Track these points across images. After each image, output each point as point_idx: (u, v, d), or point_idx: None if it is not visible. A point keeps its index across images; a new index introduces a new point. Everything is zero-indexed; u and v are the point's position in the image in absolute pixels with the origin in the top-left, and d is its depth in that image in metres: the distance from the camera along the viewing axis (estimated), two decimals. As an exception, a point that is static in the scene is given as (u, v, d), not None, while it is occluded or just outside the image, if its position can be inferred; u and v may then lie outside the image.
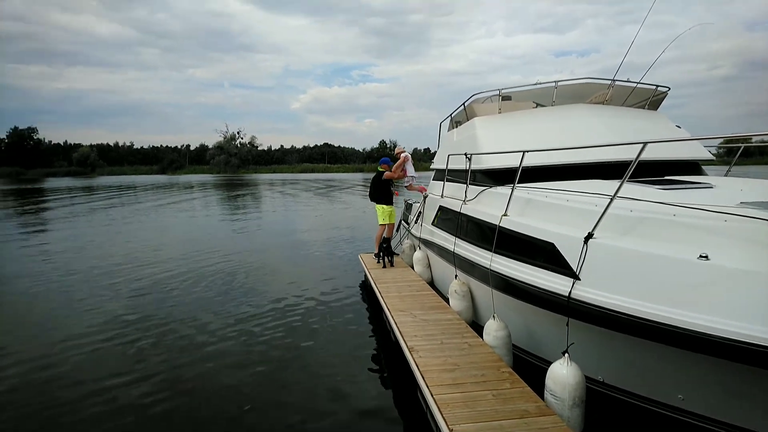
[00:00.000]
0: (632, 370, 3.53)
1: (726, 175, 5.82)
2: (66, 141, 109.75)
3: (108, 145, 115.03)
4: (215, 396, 4.59)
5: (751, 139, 7.64)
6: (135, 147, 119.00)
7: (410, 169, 8.58)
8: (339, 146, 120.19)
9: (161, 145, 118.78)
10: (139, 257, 11.51)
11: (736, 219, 3.01)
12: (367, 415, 4.27)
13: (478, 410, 3.39)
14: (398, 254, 8.84)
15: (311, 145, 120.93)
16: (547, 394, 3.41)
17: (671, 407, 3.33)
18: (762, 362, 2.45)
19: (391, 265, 8.18)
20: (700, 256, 2.84)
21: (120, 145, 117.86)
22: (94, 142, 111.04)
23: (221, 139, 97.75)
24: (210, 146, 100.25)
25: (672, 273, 2.96)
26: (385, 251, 8.29)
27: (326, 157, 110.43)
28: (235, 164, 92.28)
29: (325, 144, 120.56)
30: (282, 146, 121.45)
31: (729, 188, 3.99)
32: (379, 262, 8.36)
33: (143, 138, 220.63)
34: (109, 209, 24.70)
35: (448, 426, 3.19)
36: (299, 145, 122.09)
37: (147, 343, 5.99)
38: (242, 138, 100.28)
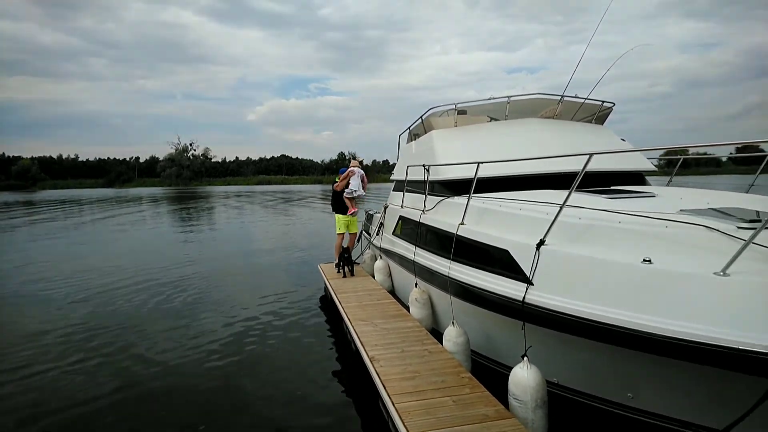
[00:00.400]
0: (585, 372, 3.67)
1: (667, 185, 6.21)
2: (4, 153, 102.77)
3: (51, 157, 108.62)
4: (169, 414, 4.42)
5: (688, 151, 8.24)
6: (80, 159, 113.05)
7: (353, 183, 8.55)
8: (297, 158, 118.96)
9: (108, 158, 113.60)
10: (85, 273, 10.93)
11: (677, 225, 3.22)
12: (329, 427, 4.21)
13: (438, 417, 3.43)
14: (359, 263, 8.80)
15: (268, 157, 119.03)
16: (510, 398, 3.49)
17: (622, 405, 3.48)
18: (701, 359, 2.61)
19: (351, 275, 8.11)
20: (644, 260, 3.01)
21: (64, 157, 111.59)
22: (35, 155, 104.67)
23: (173, 151, 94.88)
24: (161, 158, 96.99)
25: (618, 276, 3.12)
26: (345, 260, 8.20)
27: (284, 169, 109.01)
28: (187, 176, 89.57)
29: (283, 155, 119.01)
30: (237, 158, 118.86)
31: (670, 197, 4.26)
32: (339, 272, 8.29)
33: (89, 150, 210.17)
34: (51, 224, 23.30)
35: None
36: (255, 157, 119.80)
37: (94, 361, 5.69)
38: (195, 150, 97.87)
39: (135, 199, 46.94)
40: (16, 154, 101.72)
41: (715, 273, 2.73)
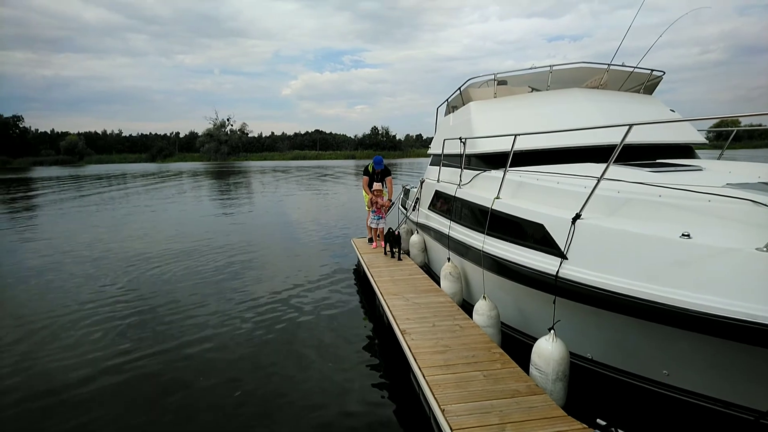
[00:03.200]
0: (619, 347, 3.64)
1: (718, 159, 5.93)
2: (53, 129, 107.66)
3: (96, 133, 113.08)
4: (209, 381, 4.64)
5: (740, 122, 7.78)
6: (123, 135, 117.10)
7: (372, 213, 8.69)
8: (330, 133, 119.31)
9: (150, 133, 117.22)
10: (133, 244, 11.48)
11: (720, 199, 3.10)
12: (361, 398, 4.32)
13: (469, 390, 3.47)
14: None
15: (302, 132, 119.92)
16: (532, 368, 3.52)
17: (657, 383, 3.44)
18: (741, 336, 2.55)
19: (398, 258, 7.55)
20: (683, 235, 2.93)
21: (108, 133, 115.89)
22: (81, 130, 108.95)
23: (211, 126, 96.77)
24: (200, 133, 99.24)
25: (655, 251, 3.04)
26: (393, 242, 7.63)
27: (317, 144, 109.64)
28: (225, 152, 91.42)
29: (317, 131, 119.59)
30: (273, 133, 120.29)
31: (718, 171, 4.08)
32: (386, 254, 7.88)
33: (132, 126, 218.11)
34: (99, 198, 24.46)
35: (440, 406, 3.27)
36: (290, 132, 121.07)
37: (137, 329, 6.02)
38: (232, 125, 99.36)
39: (177, 173, 48.50)
40: (63, 130, 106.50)
41: (757, 249, 2.63)
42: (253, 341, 5.61)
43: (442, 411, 3.23)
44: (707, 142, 6.21)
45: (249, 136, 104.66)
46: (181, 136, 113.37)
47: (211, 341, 5.62)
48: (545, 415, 3.12)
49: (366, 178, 8.90)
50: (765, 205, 2.91)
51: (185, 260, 9.73)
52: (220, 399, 4.31)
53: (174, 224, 14.90)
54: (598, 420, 2.92)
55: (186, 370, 4.88)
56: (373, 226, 8.67)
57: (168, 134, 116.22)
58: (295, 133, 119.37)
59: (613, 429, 2.84)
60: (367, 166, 9.04)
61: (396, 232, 7.63)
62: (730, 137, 6.31)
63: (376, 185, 8.63)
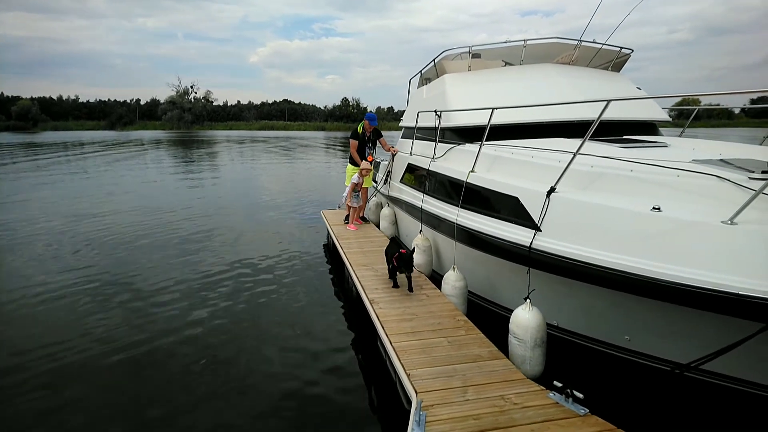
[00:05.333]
0: (584, 315, 3.81)
1: (680, 137, 6.14)
2: (2, 93, 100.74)
3: (51, 98, 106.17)
4: (174, 352, 4.61)
5: (700, 101, 8.06)
6: (80, 101, 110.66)
7: (355, 178, 7.76)
8: (299, 103, 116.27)
9: (109, 99, 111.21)
10: (93, 215, 11.07)
11: (688, 175, 3.24)
12: (329, 364, 4.42)
13: (433, 356, 3.61)
14: (369, 220, 8.51)
15: (270, 102, 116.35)
16: (510, 337, 3.66)
17: (618, 347, 3.65)
18: (707, 305, 2.71)
19: (409, 289, 4.97)
20: (653, 208, 3.06)
21: (64, 98, 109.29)
22: (35, 95, 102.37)
23: (174, 93, 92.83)
24: (162, 101, 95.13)
25: (626, 224, 3.18)
26: (404, 265, 4.91)
27: (286, 115, 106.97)
28: (188, 120, 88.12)
29: (285, 100, 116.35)
30: (239, 102, 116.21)
31: (683, 147, 4.24)
32: (390, 277, 5.24)
33: (89, 91, 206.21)
34: (57, 166, 23.29)
35: (405, 371, 3.39)
36: (257, 101, 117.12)
37: (98, 303, 5.86)
38: (196, 92, 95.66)
39: (137, 142, 46.56)
40: (14, 94, 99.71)
41: (722, 222, 2.78)
42: (219, 312, 5.57)
43: (408, 375, 3.34)
44: (670, 119, 6.42)
45: (214, 104, 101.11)
46: (142, 103, 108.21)
47: (176, 312, 5.55)
48: (505, 378, 3.29)
49: (355, 142, 7.82)
50: (729, 180, 3.05)
51: (148, 232, 9.47)
52: (185, 369, 4.30)
53: (136, 195, 14.39)
54: (555, 382, 3.08)
55: (150, 341, 4.83)
56: (355, 204, 7.90)
57: (128, 101, 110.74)
58: (263, 103, 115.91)
59: (568, 390, 3.00)
60: (356, 127, 7.92)
61: (410, 253, 4.96)
62: (692, 115, 6.54)
63: (364, 164, 7.62)
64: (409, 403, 3.15)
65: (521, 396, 3.09)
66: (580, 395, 2.96)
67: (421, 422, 2.81)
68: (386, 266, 5.35)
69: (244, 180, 18.45)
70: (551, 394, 3.08)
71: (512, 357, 3.62)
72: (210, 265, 7.37)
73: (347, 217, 8.13)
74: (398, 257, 4.91)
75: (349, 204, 7.95)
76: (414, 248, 5.43)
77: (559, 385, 3.07)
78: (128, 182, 17.50)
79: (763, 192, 2.70)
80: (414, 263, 5.02)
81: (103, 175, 19.50)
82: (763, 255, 2.61)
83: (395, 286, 5.06)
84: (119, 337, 4.93)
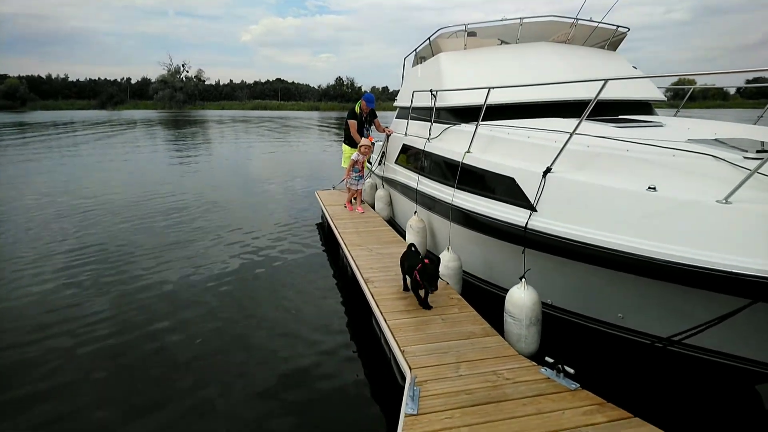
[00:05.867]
0: (579, 293, 3.86)
1: (675, 116, 6.14)
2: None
3: (39, 77, 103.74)
4: (169, 332, 4.63)
5: (695, 82, 8.03)
6: (70, 80, 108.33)
7: (354, 155, 7.48)
8: (293, 82, 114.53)
9: (99, 78, 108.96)
10: (85, 196, 10.99)
11: (683, 154, 3.25)
12: (324, 343, 4.47)
13: (427, 333, 3.68)
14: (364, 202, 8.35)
15: (263, 81, 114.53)
16: (506, 316, 3.71)
17: (611, 325, 3.71)
18: (700, 282, 2.75)
19: (425, 306, 4.19)
20: (649, 188, 3.08)
21: (53, 77, 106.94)
22: (22, 73, 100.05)
23: (165, 72, 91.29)
24: (153, 80, 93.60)
25: (622, 203, 3.20)
26: (428, 278, 3.98)
27: (279, 94, 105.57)
28: (180, 99, 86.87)
29: (278, 79, 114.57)
30: (231, 81, 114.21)
31: (678, 127, 4.24)
32: (409, 289, 4.47)
33: (79, 70, 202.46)
34: (46, 147, 22.99)
35: (399, 348, 3.46)
36: (250, 80, 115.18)
37: (92, 282, 5.87)
38: (188, 71, 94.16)
39: (129, 122, 45.91)
40: (2, 72, 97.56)
41: (717, 201, 2.81)
42: (213, 292, 5.59)
43: (402, 352, 3.41)
44: (666, 99, 6.41)
45: (206, 83, 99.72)
46: (133, 82, 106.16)
47: (170, 293, 5.56)
48: (498, 354, 3.36)
49: (353, 122, 7.68)
50: (724, 160, 3.07)
51: (141, 212, 9.45)
52: (180, 348, 4.32)
53: (128, 175, 14.33)
54: (547, 358, 3.15)
55: (145, 323, 4.84)
56: (355, 187, 7.66)
57: (119, 80, 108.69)
58: (256, 82, 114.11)
59: (560, 366, 3.06)
60: (353, 108, 7.83)
61: (435, 265, 4.06)
62: (686, 95, 6.54)
63: (364, 141, 7.39)
64: (404, 379, 3.21)
65: (513, 371, 3.16)
66: (571, 371, 3.03)
67: (415, 397, 2.87)
68: (381, 246, 5.26)
69: (238, 161, 18.33)
70: (543, 370, 3.15)
71: (507, 335, 3.68)
72: (204, 246, 7.36)
73: (352, 200, 7.91)
74: (422, 271, 3.94)
75: (348, 186, 7.71)
76: (439, 258, 4.39)
77: (551, 360, 3.13)
78: (120, 162, 17.35)
79: (758, 171, 2.72)
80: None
81: (97, 155, 19.29)
82: (757, 234, 2.65)
83: (421, 303, 4.15)
84: (111, 317, 4.95)
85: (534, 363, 3.26)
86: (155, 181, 13.14)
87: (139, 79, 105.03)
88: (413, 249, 4.56)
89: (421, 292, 4.15)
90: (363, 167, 7.55)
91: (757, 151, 3.09)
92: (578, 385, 2.97)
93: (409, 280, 4.32)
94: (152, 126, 40.93)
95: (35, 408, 3.49)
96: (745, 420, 3.36)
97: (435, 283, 3.93)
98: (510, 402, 2.82)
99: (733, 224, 2.74)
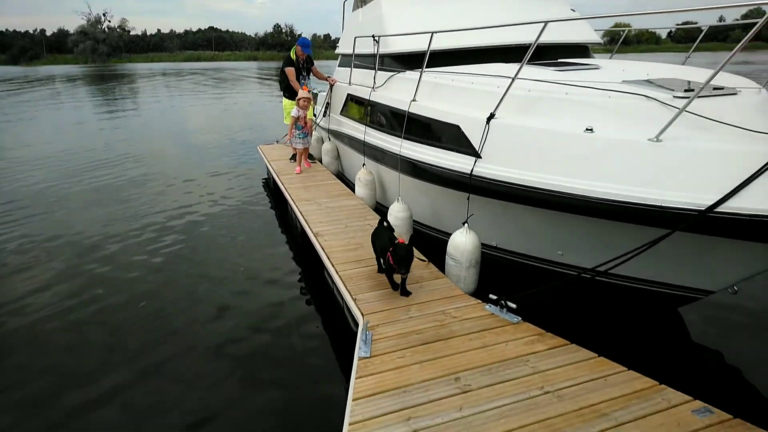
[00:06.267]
0: (522, 235, 4.04)
1: (610, 59, 6.32)
2: None
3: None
4: (112, 297, 4.46)
5: (630, 26, 8.25)
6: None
7: (294, 112, 6.91)
8: (227, 31, 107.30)
9: (7, 30, 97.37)
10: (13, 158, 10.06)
11: (619, 95, 3.37)
12: (276, 298, 4.46)
13: (378, 281, 3.76)
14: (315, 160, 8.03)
15: (194, 30, 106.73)
16: (447, 259, 3.87)
17: (552, 262, 3.94)
18: (635, 218, 2.93)
19: (403, 292, 3.63)
20: (586, 129, 3.20)
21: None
22: None
23: (84, 22, 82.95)
24: (71, 31, 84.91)
25: (562, 146, 3.31)
26: (402, 263, 3.45)
27: (213, 44, 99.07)
28: (104, 53, 79.69)
29: (211, 28, 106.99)
30: (159, 31, 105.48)
31: (613, 69, 4.37)
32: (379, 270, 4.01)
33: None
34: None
35: (352, 296, 3.54)
36: (180, 30, 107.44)
37: (28, 254, 5.53)
38: (110, 21, 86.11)
39: (48, 78, 41.79)
40: None
41: (649, 139, 2.96)
42: (155, 254, 5.40)
43: (354, 300, 3.48)
44: (602, 42, 6.56)
45: (131, 34, 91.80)
46: (49, 34, 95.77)
47: (111, 259, 5.31)
48: (446, 295, 3.50)
49: (291, 69, 7.20)
50: (656, 99, 3.21)
51: (71, 175, 8.84)
52: (123, 314, 4.19)
53: (52, 136, 13.22)
54: (491, 295, 3.32)
55: (84, 287, 4.65)
56: (299, 146, 7.06)
57: (31, 32, 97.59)
58: (186, 31, 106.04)
59: (503, 302, 3.24)
60: (288, 55, 7.38)
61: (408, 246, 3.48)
62: (621, 39, 6.73)
63: (301, 93, 6.87)
64: (357, 325, 3.28)
65: (460, 310, 3.31)
66: (514, 306, 3.21)
67: (368, 341, 2.95)
68: (329, 200, 5.15)
69: (174, 118, 17.30)
70: (487, 307, 3.32)
71: (448, 277, 3.86)
72: (144, 209, 7.01)
73: (294, 156, 7.53)
74: (393, 252, 3.41)
75: (293, 145, 7.16)
76: (411, 237, 3.98)
77: (495, 297, 3.30)
78: (46, 125, 15.89)
79: (686, 110, 2.87)
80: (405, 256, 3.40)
81: (13, 113, 17.52)
82: (685, 169, 2.83)
83: (395, 288, 3.62)
84: (47, 284, 4.70)
85: (479, 301, 3.42)
86: (83, 141, 12.21)
87: (56, 31, 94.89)
88: (385, 224, 3.95)
89: (397, 277, 3.59)
90: (306, 122, 7.01)
91: (685, 90, 3.25)
92: (520, 318, 3.16)
93: (383, 262, 3.73)
94: (75, 81, 37.52)
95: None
96: (669, 339, 3.71)
97: (407, 267, 3.38)
98: (457, 338, 2.96)
99: (663, 161, 2.91)
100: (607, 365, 2.67)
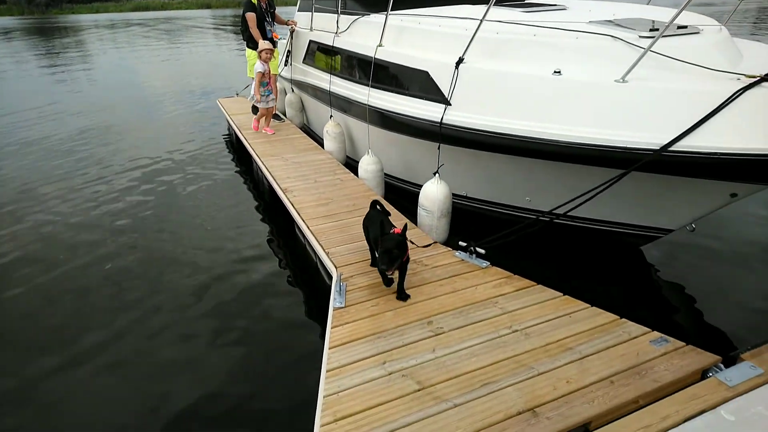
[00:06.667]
0: (491, 183, 4.08)
1: None
2: None
3: None
4: (75, 260, 4.31)
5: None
6: None
7: (259, 66, 6.24)
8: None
9: None
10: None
11: (586, 36, 3.33)
12: (247, 256, 4.37)
13: (350, 234, 3.77)
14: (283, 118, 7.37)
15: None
16: (419, 209, 3.88)
17: (520, 208, 4.01)
18: (600, 161, 2.97)
19: (401, 295, 3.01)
20: (554, 72, 3.17)
21: None
22: None
23: (14, -34, 75.47)
24: (0, -24, 77.29)
25: (530, 90, 3.29)
26: (389, 261, 2.81)
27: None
28: (42, 2, 73.33)
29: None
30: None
31: (580, 9, 4.31)
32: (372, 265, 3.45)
33: None
34: None
35: (324, 250, 3.54)
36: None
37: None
38: (45, -35, 78.62)
39: (-22, 30, 38.29)
40: None
41: (615, 80, 2.96)
42: (119, 218, 5.17)
43: (327, 253, 3.48)
44: None
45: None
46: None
47: (71, 221, 5.09)
48: (418, 244, 3.51)
49: (252, 15, 6.53)
50: (622, 40, 3.19)
51: (24, 139, 8.29)
52: (89, 276, 4.07)
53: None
54: (460, 242, 3.37)
55: (47, 250, 4.49)
56: (263, 105, 6.40)
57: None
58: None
59: (472, 248, 3.31)
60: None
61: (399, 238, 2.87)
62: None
63: (263, 44, 6.23)
64: (330, 278, 3.29)
65: (431, 258, 3.36)
66: (482, 251, 3.28)
67: (342, 291, 2.98)
68: (296, 155, 4.96)
69: (125, 72, 16.25)
70: (457, 254, 3.38)
71: (420, 227, 3.88)
72: (102, 169, 6.68)
73: (254, 108, 6.85)
74: (381, 243, 2.81)
75: (259, 105, 6.44)
76: (405, 227, 2.92)
77: (464, 244, 3.35)
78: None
79: (651, 50, 2.87)
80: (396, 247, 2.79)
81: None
82: (649, 110, 2.86)
83: (389, 285, 3.04)
84: (10, 255, 4.49)
85: (449, 248, 3.48)
86: (30, 102, 11.32)
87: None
88: (378, 208, 3.33)
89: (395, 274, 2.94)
90: (271, 78, 6.38)
91: (650, 30, 3.24)
92: (488, 263, 3.24)
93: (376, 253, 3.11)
94: (9, 35, 34.54)
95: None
96: (632, 276, 3.88)
97: (391, 262, 2.74)
98: (429, 285, 3.02)
99: (628, 102, 2.93)
100: (571, 303, 2.78)
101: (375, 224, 3.08)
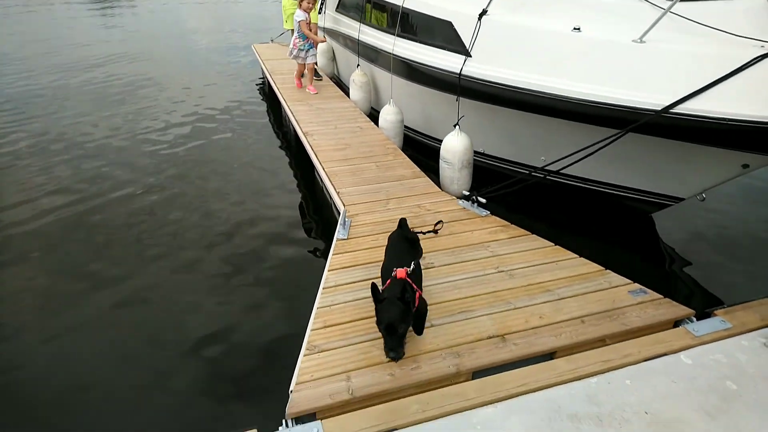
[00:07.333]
0: (507, 141, 4.14)
1: None
2: None
3: None
4: (116, 208, 4.49)
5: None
6: None
7: (298, 14, 5.73)
8: None
9: None
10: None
11: None
12: (271, 192, 4.79)
13: (362, 177, 3.96)
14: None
15: None
16: (441, 162, 3.97)
17: (534, 168, 4.05)
18: (612, 122, 2.98)
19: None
20: (574, 29, 3.17)
21: None
22: None
23: None
24: None
25: (549, 45, 3.31)
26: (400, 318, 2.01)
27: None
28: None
29: None
30: None
31: None
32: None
33: None
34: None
35: (335, 189, 3.74)
36: None
37: (32, 161, 5.49)
38: None
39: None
40: None
41: (633, 40, 2.95)
42: (158, 159, 5.47)
43: (338, 193, 3.69)
44: None
45: None
46: None
47: (113, 164, 5.33)
48: (424, 192, 3.69)
49: None
50: (645, 0, 3.14)
51: (72, 77, 8.68)
52: (125, 223, 4.22)
53: (45, 37, 12.61)
54: (463, 191, 3.49)
55: (89, 198, 4.64)
56: (303, 61, 5.99)
57: None
58: None
59: (474, 197, 3.43)
60: None
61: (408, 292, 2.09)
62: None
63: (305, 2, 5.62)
64: (339, 215, 3.49)
65: (435, 204, 3.52)
66: (483, 200, 3.40)
67: (346, 226, 3.20)
68: (322, 101, 5.25)
69: (167, 17, 16.39)
70: (460, 202, 3.53)
71: (442, 179, 3.98)
72: (143, 109, 7.03)
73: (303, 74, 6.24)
74: (378, 314, 2.04)
75: (297, 60, 6.02)
76: (412, 266, 2.26)
77: (467, 193, 3.47)
78: (38, 27, 15.18)
79: (671, 11, 2.83)
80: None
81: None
82: (663, 71, 2.86)
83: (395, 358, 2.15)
84: (56, 195, 4.72)
85: (453, 197, 3.61)
86: (78, 43, 11.67)
87: None
88: (403, 236, 2.62)
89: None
90: (311, 27, 5.93)
91: None
92: (488, 212, 3.37)
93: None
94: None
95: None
96: (640, 241, 3.91)
97: (399, 346, 2.02)
98: (428, 226, 3.18)
99: (644, 62, 2.93)
100: (561, 252, 2.91)
101: (391, 249, 2.53)
